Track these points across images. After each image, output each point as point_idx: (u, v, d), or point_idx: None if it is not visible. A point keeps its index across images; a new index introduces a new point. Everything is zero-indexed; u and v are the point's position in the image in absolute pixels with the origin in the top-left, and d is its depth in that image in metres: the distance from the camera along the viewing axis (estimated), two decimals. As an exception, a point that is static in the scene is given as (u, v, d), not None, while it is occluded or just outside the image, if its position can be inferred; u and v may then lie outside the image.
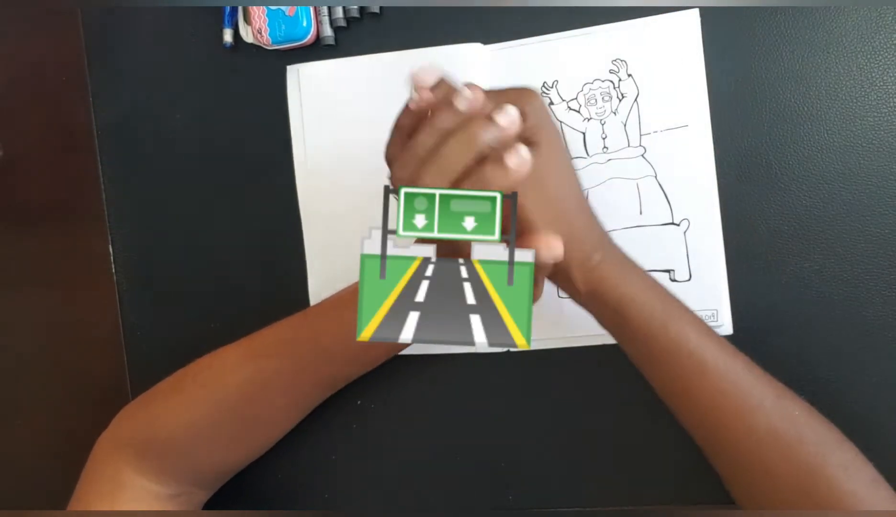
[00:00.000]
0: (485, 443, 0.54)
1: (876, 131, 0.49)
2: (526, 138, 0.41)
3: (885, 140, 0.48)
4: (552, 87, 0.52)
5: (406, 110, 0.41)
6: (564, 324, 0.52)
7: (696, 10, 0.50)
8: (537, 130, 0.41)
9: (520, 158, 0.36)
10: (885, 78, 0.49)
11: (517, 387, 0.54)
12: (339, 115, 0.55)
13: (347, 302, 0.50)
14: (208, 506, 0.55)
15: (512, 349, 0.53)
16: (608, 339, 0.51)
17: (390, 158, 0.42)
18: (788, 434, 0.41)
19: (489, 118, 0.37)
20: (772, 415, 0.42)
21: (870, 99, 0.49)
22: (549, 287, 0.51)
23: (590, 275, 0.43)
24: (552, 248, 0.37)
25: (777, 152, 0.50)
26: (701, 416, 0.44)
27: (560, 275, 0.44)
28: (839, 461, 0.41)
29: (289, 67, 0.56)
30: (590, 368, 0.52)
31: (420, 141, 0.38)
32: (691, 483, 0.51)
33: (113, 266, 0.60)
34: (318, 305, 0.51)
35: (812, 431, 0.42)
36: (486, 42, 0.53)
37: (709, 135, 0.50)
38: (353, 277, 0.50)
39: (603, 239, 0.44)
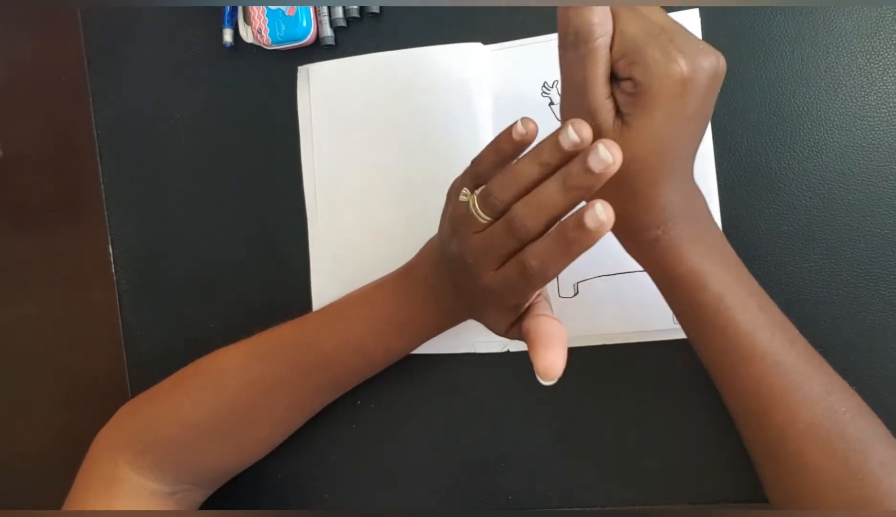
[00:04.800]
0: (484, 444, 0.54)
1: (876, 131, 0.49)
2: (629, 94, 0.38)
3: (885, 140, 0.48)
4: (552, 87, 0.52)
5: (508, 136, 0.39)
6: (564, 324, 0.52)
7: (697, 11, 0.50)
8: (642, 90, 0.37)
9: (596, 222, 0.34)
10: (885, 78, 0.49)
11: (517, 387, 0.54)
12: (349, 115, 0.55)
13: (350, 308, 0.49)
14: (207, 505, 0.55)
15: (512, 349, 0.53)
16: (608, 340, 0.52)
17: (478, 172, 0.41)
18: (829, 430, 0.41)
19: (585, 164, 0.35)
20: (815, 410, 0.41)
21: (870, 99, 0.49)
22: (549, 287, 0.51)
23: (643, 248, 0.42)
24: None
25: (777, 152, 0.50)
26: (743, 403, 0.43)
27: (618, 238, 0.43)
28: (880, 459, 0.40)
29: (300, 67, 0.56)
30: (590, 368, 0.52)
31: (523, 170, 0.37)
32: (692, 483, 0.51)
33: (113, 266, 0.60)
34: (321, 311, 0.51)
35: (855, 428, 0.41)
36: (486, 42, 0.53)
37: (709, 134, 0.50)
38: (358, 278, 0.51)
39: (670, 215, 0.40)
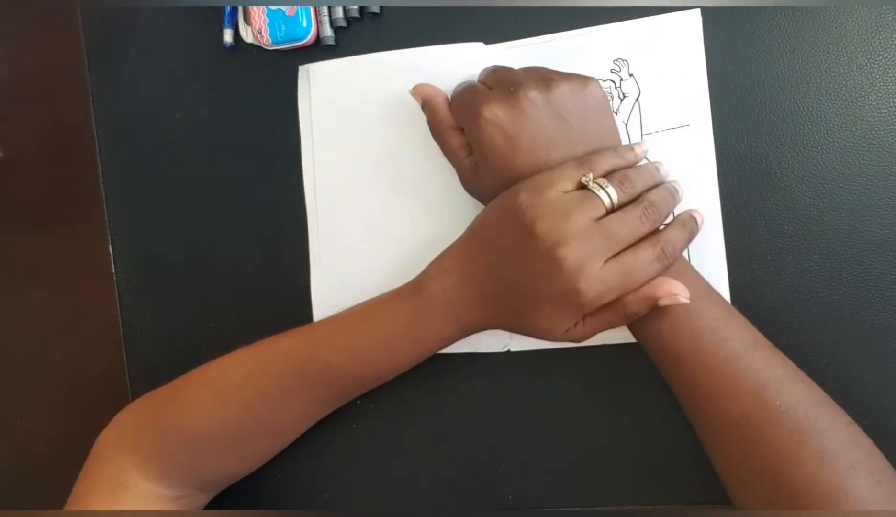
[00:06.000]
0: (485, 443, 0.54)
1: (876, 131, 0.49)
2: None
3: (885, 140, 0.49)
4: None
5: (632, 150, 0.47)
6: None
7: (698, 10, 0.50)
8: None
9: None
10: (885, 78, 0.49)
11: (517, 387, 0.54)
12: (349, 115, 0.55)
13: (358, 322, 0.49)
14: (209, 505, 0.55)
15: (512, 349, 0.53)
16: (608, 340, 0.52)
17: (596, 166, 0.45)
18: (763, 421, 0.42)
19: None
20: (746, 405, 0.43)
21: (870, 99, 0.49)
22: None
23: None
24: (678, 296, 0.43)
25: (777, 152, 0.50)
26: (683, 400, 0.46)
27: None
28: (815, 448, 0.41)
29: (300, 67, 0.56)
30: (590, 368, 0.52)
31: (651, 171, 0.47)
32: (692, 482, 0.51)
33: (113, 266, 0.60)
34: (325, 322, 0.50)
35: (790, 420, 0.42)
36: (486, 42, 0.53)
37: (710, 134, 0.50)
38: (359, 279, 0.50)
39: None
